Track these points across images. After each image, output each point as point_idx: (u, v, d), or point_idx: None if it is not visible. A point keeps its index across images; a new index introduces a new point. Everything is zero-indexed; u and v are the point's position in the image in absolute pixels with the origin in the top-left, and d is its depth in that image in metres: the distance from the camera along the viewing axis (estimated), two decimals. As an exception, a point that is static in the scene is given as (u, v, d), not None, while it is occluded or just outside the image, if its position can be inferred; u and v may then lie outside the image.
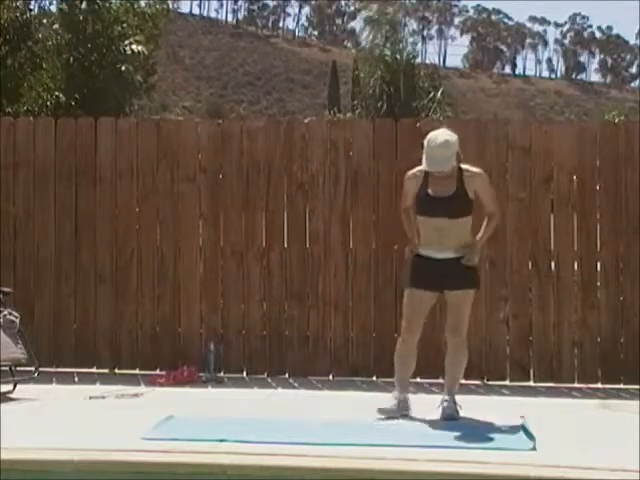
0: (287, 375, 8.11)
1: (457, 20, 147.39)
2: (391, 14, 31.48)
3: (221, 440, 5.26)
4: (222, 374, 8.02)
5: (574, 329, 7.88)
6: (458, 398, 6.54)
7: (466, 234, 6.24)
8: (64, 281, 8.37)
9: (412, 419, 6.18)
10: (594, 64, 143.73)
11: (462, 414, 6.22)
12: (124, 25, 17.89)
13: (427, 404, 6.52)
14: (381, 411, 6.24)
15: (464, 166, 6.23)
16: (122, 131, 8.47)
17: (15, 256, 8.41)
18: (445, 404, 6.24)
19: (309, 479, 4.83)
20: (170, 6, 21.56)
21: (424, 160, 6.17)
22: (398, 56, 30.39)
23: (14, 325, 7.31)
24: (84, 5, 17.66)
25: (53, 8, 19.68)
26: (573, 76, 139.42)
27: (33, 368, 7.29)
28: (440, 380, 7.52)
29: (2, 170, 8.43)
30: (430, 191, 6.17)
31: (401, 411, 6.24)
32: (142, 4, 18.78)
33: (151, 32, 18.59)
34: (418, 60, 31.43)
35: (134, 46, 17.54)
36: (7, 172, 8.45)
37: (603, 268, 7.89)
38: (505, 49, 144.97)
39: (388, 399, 6.35)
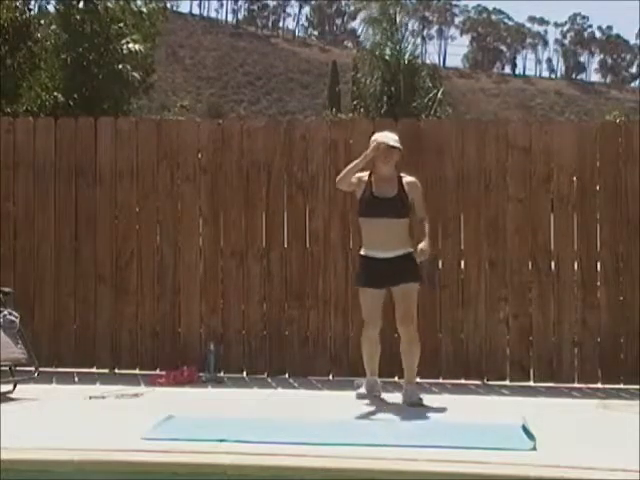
0: (287, 375, 8.11)
1: (457, 20, 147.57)
2: (392, 14, 31.48)
3: (221, 440, 5.26)
4: (222, 374, 8.02)
5: (574, 329, 7.88)
6: (458, 397, 6.55)
7: (406, 234, 6.80)
8: (64, 281, 8.37)
9: (383, 400, 6.77)
10: (594, 64, 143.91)
11: (462, 414, 6.23)
12: (121, 24, 17.88)
13: (427, 404, 6.54)
14: (357, 395, 6.93)
15: (402, 174, 6.85)
16: (122, 131, 8.47)
17: (15, 256, 8.41)
18: (409, 392, 6.70)
19: (309, 479, 4.83)
20: (167, 5, 21.53)
21: (374, 140, 6.81)
22: (399, 56, 30.40)
23: (14, 325, 7.31)
24: (81, 5, 17.65)
25: (51, 8, 19.68)
26: (573, 76, 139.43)
27: (33, 368, 7.29)
28: (440, 380, 7.55)
29: (2, 170, 8.44)
30: (375, 192, 6.76)
31: (372, 392, 6.94)
32: (139, 3, 18.78)
33: (148, 31, 18.58)
34: (418, 60, 31.41)
35: (131, 45, 17.54)
36: (7, 172, 8.45)
37: (603, 268, 7.89)
38: (505, 49, 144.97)
39: (363, 383, 7.07)
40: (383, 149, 6.75)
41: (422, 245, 6.65)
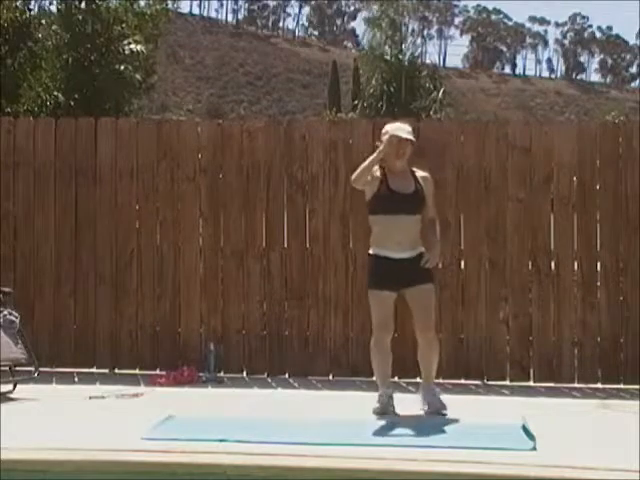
0: (287, 375, 8.12)
1: (457, 20, 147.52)
2: (391, 14, 31.50)
3: (221, 440, 5.26)
4: (222, 374, 8.02)
5: (574, 329, 7.88)
6: (458, 398, 6.53)
7: (418, 232, 6.35)
8: (64, 281, 8.37)
9: (399, 415, 6.25)
10: (594, 64, 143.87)
11: (462, 414, 6.22)
12: (123, 25, 17.88)
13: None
14: (374, 411, 6.31)
15: (414, 168, 6.45)
16: (122, 131, 8.48)
17: (15, 256, 8.42)
18: (431, 398, 6.33)
19: (309, 479, 4.83)
20: (170, 6, 21.50)
21: (387, 131, 6.35)
22: (400, 56, 30.43)
23: (14, 325, 7.31)
24: (83, 5, 17.65)
25: (52, 8, 19.65)
26: (573, 76, 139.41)
27: (33, 368, 7.28)
28: (440, 380, 7.55)
29: (2, 170, 8.44)
30: (393, 187, 6.31)
31: (388, 407, 6.33)
32: (142, 4, 18.77)
33: (151, 32, 18.57)
34: (418, 60, 31.43)
35: (133, 46, 17.53)
36: (7, 172, 8.46)
37: (603, 268, 7.89)
38: (505, 49, 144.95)
39: (375, 398, 6.42)
40: (396, 142, 6.30)
41: (433, 253, 6.33)
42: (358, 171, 6.37)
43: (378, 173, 6.35)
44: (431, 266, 6.34)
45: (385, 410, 6.29)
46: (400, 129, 6.39)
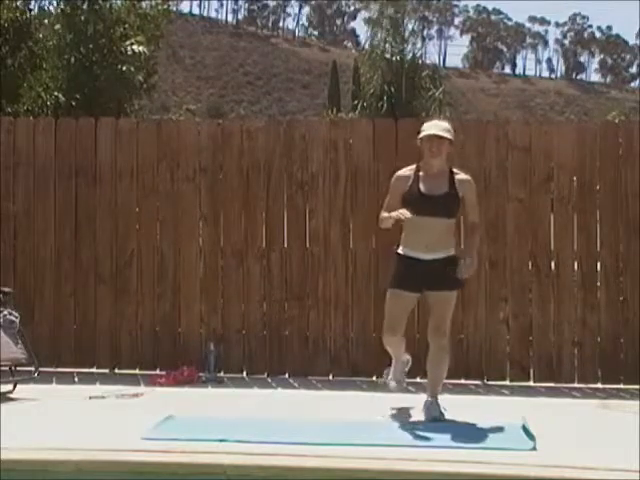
0: (287, 375, 8.12)
1: (457, 20, 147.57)
2: (391, 14, 31.49)
3: (221, 440, 5.26)
4: (222, 374, 8.03)
5: (574, 329, 7.88)
6: (458, 398, 6.51)
7: (451, 235, 6.14)
8: (64, 281, 8.37)
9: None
10: (594, 64, 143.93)
11: (462, 414, 6.21)
12: (126, 26, 17.90)
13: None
14: (388, 380, 6.45)
15: (454, 169, 6.15)
16: (122, 131, 8.48)
17: (15, 256, 8.42)
18: (429, 405, 6.11)
19: (309, 479, 4.83)
20: (171, 6, 21.51)
21: (422, 130, 6.07)
22: (400, 57, 30.42)
23: (14, 325, 7.31)
24: (85, 6, 17.66)
25: (52, 8, 19.64)
26: (573, 76, 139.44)
27: (33, 368, 7.28)
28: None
29: (2, 170, 8.44)
30: (423, 189, 6.03)
31: (404, 369, 6.51)
32: (144, 5, 18.77)
33: (153, 33, 18.58)
34: (419, 60, 31.44)
35: (135, 47, 17.54)
36: (7, 172, 8.46)
37: (603, 268, 7.89)
38: (505, 49, 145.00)
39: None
40: (426, 140, 5.99)
41: (467, 263, 6.00)
42: (381, 219, 6.16)
43: (411, 173, 6.12)
44: (463, 277, 6.06)
45: (402, 374, 6.45)
46: (432, 127, 6.08)
